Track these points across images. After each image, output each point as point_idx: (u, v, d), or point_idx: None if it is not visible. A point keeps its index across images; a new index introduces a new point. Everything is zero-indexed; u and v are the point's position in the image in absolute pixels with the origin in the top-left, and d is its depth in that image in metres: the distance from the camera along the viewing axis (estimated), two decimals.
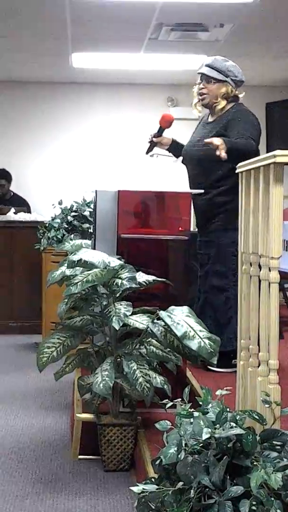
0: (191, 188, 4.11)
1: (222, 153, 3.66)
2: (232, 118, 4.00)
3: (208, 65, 4.07)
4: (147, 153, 4.31)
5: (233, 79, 4.02)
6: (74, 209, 5.72)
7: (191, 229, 3.92)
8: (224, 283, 4.02)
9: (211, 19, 5.92)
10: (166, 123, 4.23)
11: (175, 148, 4.31)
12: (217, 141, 3.69)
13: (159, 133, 4.26)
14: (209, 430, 2.31)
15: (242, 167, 2.89)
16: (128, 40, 6.58)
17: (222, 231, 4.04)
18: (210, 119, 4.17)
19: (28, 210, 7.50)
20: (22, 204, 7.65)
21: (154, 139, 4.26)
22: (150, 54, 7.04)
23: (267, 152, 2.56)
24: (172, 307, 3.02)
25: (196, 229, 4.28)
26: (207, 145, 4.00)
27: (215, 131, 4.02)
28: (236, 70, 4.04)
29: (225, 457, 2.25)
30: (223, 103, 4.04)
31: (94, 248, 3.59)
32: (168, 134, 4.33)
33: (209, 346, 2.84)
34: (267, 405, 2.45)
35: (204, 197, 4.03)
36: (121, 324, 3.07)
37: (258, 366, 2.65)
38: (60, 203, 5.84)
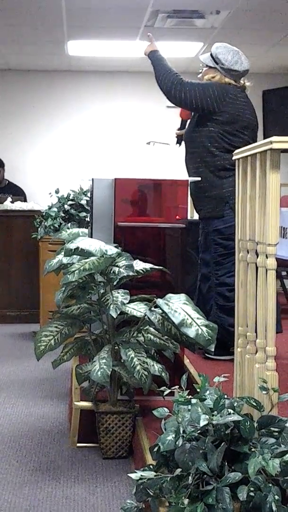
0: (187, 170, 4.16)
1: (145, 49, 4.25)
2: None
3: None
4: (178, 144, 4.46)
5: (221, 67, 4.02)
6: (71, 197, 5.70)
7: (188, 217, 3.93)
8: (208, 271, 4.06)
9: (208, 5, 5.89)
10: (186, 114, 4.34)
11: None
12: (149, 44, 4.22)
13: (182, 126, 4.39)
14: (207, 416, 2.32)
15: (238, 154, 2.88)
16: (124, 28, 6.55)
17: (207, 219, 4.07)
18: None
19: (24, 198, 7.49)
20: (17, 192, 7.63)
21: (177, 132, 4.38)
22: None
23: (264, 139, 2.55)
24: (170, 294, 3.02)
25: (193, 217, 4.30)
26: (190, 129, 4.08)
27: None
28: (224, 57, 4.01)
29: (223, 444, 2.26)
30: None
31: (91, 237, 3.58)
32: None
33: (206, 334, 2.85)
34: (264, 392, 2.46)
35: (193, 182, 4.06)
36: (118, 312, 3.07)
37: (256, 353, 2.66)
38: (57, 191, 5.83)
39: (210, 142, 3.96)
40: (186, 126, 4.29)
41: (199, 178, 3.94)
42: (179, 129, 4.41)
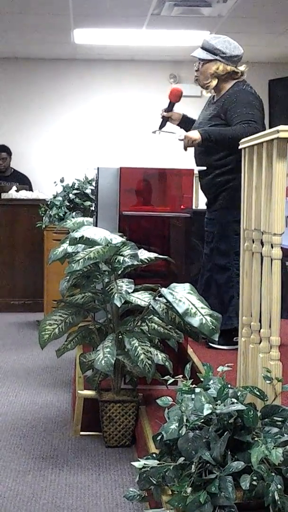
0: (196, 166, 4.11)
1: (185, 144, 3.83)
2: (229, 99, 3.93)
3: (201, 47, 4.05)
4: (160, 128, 4.29)
5: (222, 56, 3.97)
6: (76, 186, 5.70)
7: (193, 206, 3.91)
8: (226, 262, 4.02)
9: None
10: (175, 97, 4.18)
11: (186, 123, 4.28)
12: (192, 135, 3.80)
13: (169, 108, 4.22)
14: (210, 406, 2.32)
15: (245, 143, 2.87)
16: (131, 16, 6.52)
17: (225, 209, 4.02)
18: (215, 99, 4.14)
19: (30, 187, 7.48)
20: (23, 181, 7.62)
21: (164, 114, 4.23)
22: (153, 30, 6.98)
23: (269, 129, 2.54)
24: (174, 284, 3.01)
25: (198, 207, 4.28)
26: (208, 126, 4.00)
27: (215, 112, 3.99)
28: (223, 46, 3.95)
29: (226, 433, 2.26)
30: (214, 82, 3.99)
31: (96, 226, 3.58)
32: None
33: (210, 323, 2.84)
34: (268, 381, 2.46)
35: (207, 177, 4.01)
36: (122, 301, 3.07)
37: (260, 343, 2.65)
38: (62, 180, 5.83)
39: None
40: (198, 119, 4.23)
41: (204, 168, 3.91)
42: (166, 110, 4.21)
